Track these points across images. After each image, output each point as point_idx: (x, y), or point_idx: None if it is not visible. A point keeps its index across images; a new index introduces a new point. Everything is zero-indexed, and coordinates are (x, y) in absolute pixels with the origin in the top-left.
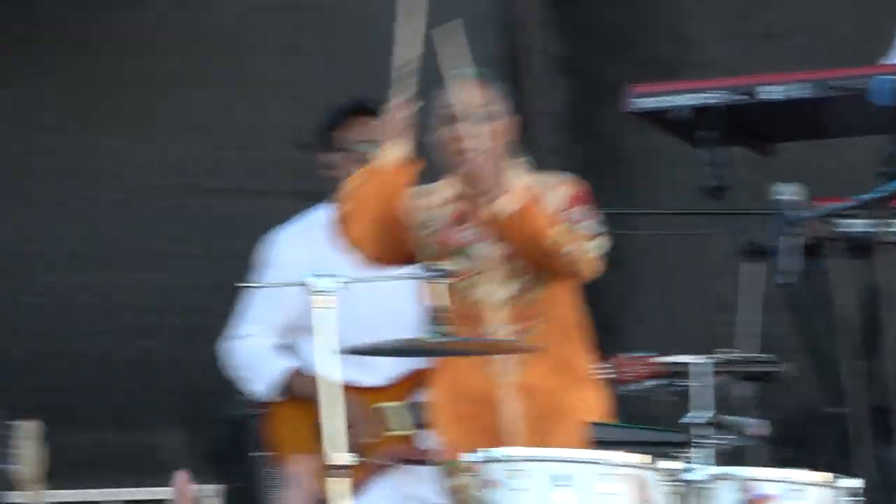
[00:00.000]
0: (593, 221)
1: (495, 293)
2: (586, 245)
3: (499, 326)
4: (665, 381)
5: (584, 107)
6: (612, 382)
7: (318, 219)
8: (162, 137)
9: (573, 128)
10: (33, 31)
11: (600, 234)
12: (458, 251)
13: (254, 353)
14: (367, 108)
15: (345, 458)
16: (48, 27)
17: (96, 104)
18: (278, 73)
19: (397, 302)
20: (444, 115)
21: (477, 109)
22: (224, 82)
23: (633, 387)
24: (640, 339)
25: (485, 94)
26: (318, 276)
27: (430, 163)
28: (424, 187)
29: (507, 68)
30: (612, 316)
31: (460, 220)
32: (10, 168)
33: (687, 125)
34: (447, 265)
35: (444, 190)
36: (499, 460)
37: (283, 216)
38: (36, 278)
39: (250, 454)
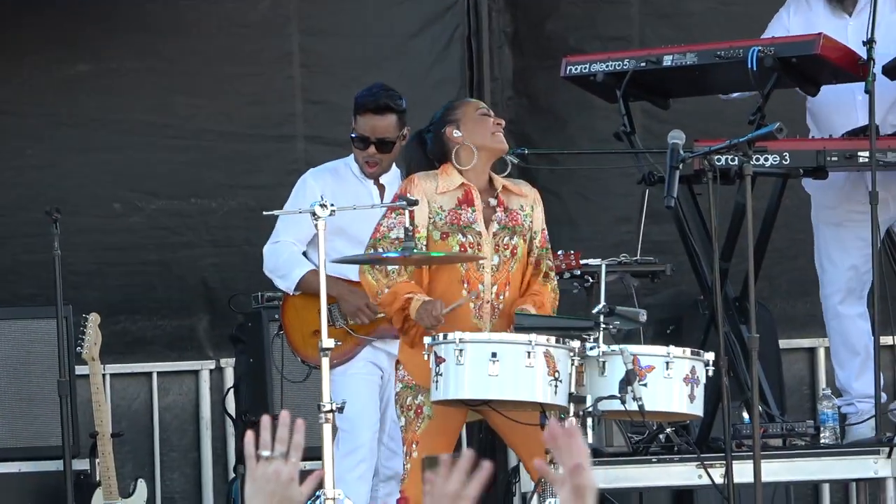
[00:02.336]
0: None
1: (487, 262)
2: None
3: (488, 286)
4: (578, 276)
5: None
6: None
7: (341, 165)
8: (213, 95)
9: (516, 88)
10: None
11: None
12: (465, 227)
13: (284, 256)
14: (377, 107)
15: (331, 342)
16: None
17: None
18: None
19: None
20: (483, 111)
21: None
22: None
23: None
24: (567, 244)
25: None
26: (319, 205)
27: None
28: (430, 173)
29: (467, 44)
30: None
31: (465, 202)
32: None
33: (606, 85)
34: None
35: (449, 176)
36: (449, 342)
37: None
38: (103, 207)
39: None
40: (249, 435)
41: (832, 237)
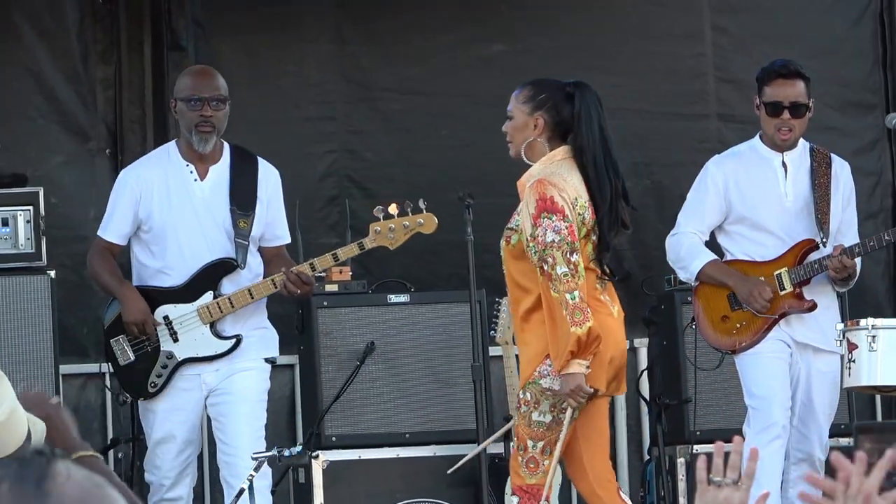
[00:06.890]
0: None
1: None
2: None
3: None
4: None
5: None
6: None
7: (745, 149)
8: (626, 73)
9: None
10: None
11: None
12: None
13: (685, 246)
14: (788, 72)
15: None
16: None
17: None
18: None
19: None
20: None
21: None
22: None
23: None
24: None
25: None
26: None
27: None
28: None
29: (879, 20)
30: None
31: None
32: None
33: None
34: None
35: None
36: (861, 328)
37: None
38: None
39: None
40: (702, 460)
41: None
